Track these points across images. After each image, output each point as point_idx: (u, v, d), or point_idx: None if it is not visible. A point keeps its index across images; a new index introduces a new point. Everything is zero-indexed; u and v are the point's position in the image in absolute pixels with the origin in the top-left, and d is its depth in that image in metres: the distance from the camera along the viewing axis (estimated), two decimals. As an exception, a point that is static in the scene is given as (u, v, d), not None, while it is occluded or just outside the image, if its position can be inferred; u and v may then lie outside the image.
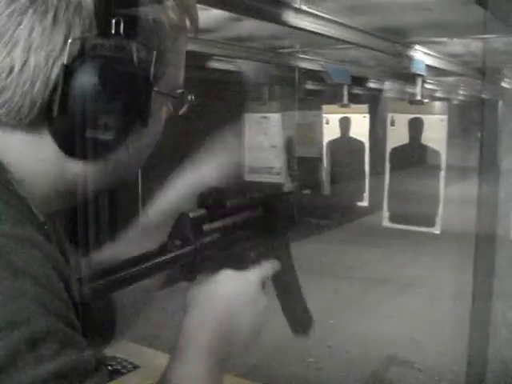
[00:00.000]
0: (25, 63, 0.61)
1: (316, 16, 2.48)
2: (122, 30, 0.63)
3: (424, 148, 3.40)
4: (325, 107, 4.14)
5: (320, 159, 4.16)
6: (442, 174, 3.30)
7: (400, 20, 2.75)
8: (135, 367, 1.80)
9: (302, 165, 4.54)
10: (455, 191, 4.88)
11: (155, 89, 0.68)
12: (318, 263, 5.55)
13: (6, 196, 0.60)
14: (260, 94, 4.50)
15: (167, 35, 0.69)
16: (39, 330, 0.52)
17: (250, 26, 2.86)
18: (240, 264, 0.86)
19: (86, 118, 0.63)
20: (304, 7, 2.38)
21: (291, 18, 2.35)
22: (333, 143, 4.07)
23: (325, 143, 4.11)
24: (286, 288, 0.99)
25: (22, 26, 0.61)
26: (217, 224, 0.83)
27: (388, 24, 2.87)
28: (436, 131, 3.34)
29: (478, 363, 2.46)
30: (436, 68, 3.82)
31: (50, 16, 0.61)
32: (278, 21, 2.33)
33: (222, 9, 2.10)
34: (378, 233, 4.50)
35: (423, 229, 3.39)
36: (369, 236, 5.98)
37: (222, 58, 3.94)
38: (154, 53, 0.66)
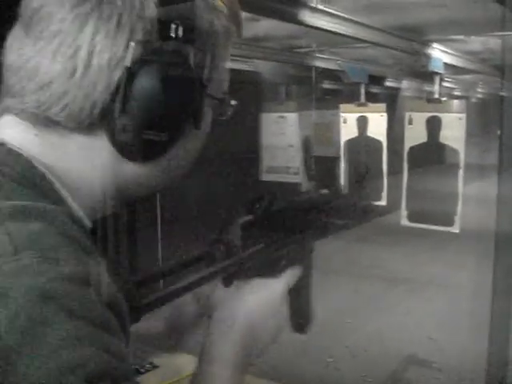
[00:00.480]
0: (88, 66, 0.62)
1: (333, 15, 2.48)
2: (180, 35, 0.64)
3: (442, 146, 3.37)
4: (342, 106, 4.11)
5: (338, 158, 4.14)
6: (461, 172, 3.28)
7: (416, 18, 2.74)
8: (154, 367, 1.81)
9: (320, 164, 4.53)
10: (474, 190, 4.84)
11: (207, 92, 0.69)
12: (336, 262, 5.54)
13: (68, 227, 0.60)
14: (277, 94, 4.49)
15: (219, 40, 0.71)
16: (94, 373, 0.51)
17: (266, 25, 2.86)
18: (271, 272, 0.86)
19: (144, 119, 0.65)
20: (321, 6, 2.38)
21: (308, 17, 2.35)
22: (350, 142, 4.05)
23: (342, 142, 4.09)
24: (299, 289, 0.99)
25: (86, 30, 0.62)
26: (263, 232, 0.82)
27: (404, 22, 2.86)
28: (454, 129, 3.31)
29: (499, 363, 2.44)
30: (454, 66, 3.79)
31: (114, 20, 0.63)
32: (295, 20, 2.33)
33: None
34: (396, 232, 4.48)
35: (442, 228, 3.37)
36: (387, 235, 5.95)
37: (239, 58, 3.94)
38: (208, 57, 0.68)
